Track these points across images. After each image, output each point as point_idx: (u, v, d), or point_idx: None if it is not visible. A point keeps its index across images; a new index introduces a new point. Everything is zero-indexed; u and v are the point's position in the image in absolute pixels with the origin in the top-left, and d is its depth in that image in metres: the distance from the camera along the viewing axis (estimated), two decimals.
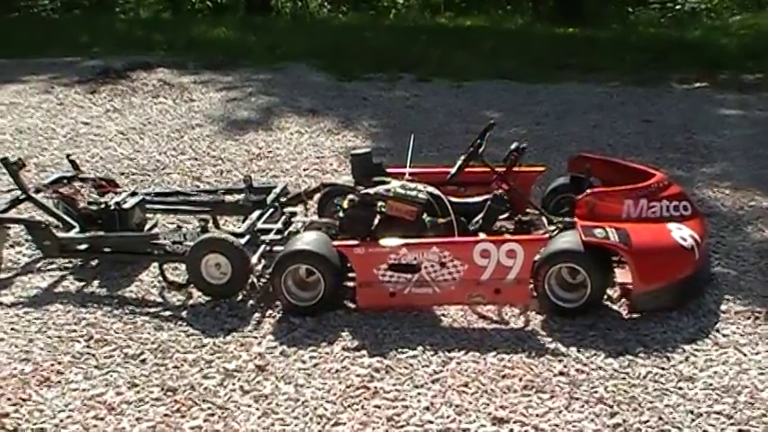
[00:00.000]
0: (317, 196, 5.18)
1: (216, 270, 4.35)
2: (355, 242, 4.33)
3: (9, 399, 3.56)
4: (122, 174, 6.17)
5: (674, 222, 4.45)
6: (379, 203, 4.42)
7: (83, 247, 4.68)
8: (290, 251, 4.32)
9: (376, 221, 4.41)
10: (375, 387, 3.67)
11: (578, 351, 3.96)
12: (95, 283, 4.63)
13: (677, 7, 15.35)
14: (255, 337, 4.08)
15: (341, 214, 4.51)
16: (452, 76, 9.51)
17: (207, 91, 8.72)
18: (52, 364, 3.83)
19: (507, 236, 4.38)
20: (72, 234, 4.69)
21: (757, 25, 13.06)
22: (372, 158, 4.99)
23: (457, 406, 3.54)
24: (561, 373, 3.79)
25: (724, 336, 4.11)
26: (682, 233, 4.33)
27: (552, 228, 4.58)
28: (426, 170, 5.04)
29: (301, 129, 7.49)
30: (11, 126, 7.39)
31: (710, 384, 3.70)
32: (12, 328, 4.15)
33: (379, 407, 3.53)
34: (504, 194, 4.67)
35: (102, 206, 4.79)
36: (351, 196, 4.53)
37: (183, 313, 4.31)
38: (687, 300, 4.37)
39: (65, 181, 5.08)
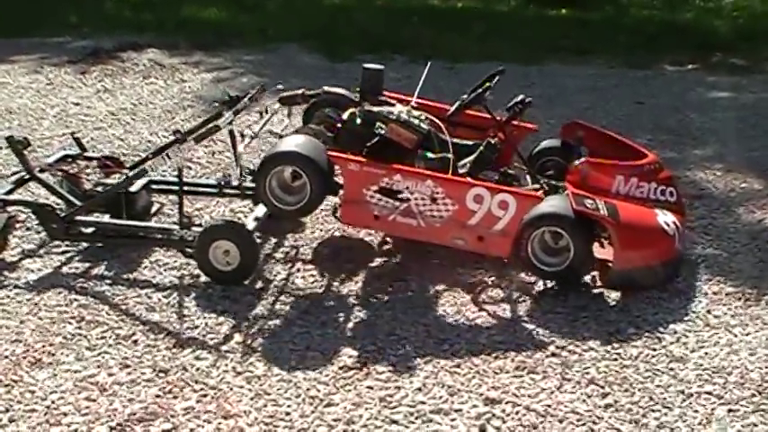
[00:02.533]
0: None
1: (224, 257, 4.30)
2: (352, 156, 4.27)
3: (0, 380, 3.55)
4: (113, 154, 6.13)
5: (659, 206, 4.46)
6: (378, 124, 4.35)
7: (89, 229, 4.64)
8: (277, 151, 4.25)
9: (374, 141, 4.32)
10: (367, 368, 3.68)
11: (570, 332, 3.98)
12: (87, 264, 4.60)
13: None
14: (248, 319, 4.07)
15: (339, 125, 4.44)
16: (444, 57, 9.45)
17: (198, 72, 8.64)
18: (44, 346, 3.82)
19: (504, 186, 4.34)
20: (79, 217, 4.61)
21: (750, 7, 13.03)
22: (383, 77, 4.86)
23: (449, 386, 3.55)
24: (553, 355, 3.81)
25: (715, 317, 4.13)
26: (666, 218, 4.34)
27: (536, 187, 4.56)
28: (429, 102, 4.96)
29: (293, 110, 7.43)
30: (0, 106, 7.33)
31: (701, 365, 3.73)
32: (3, 310, 4.13)
33: (371, 388, 3.54)
34: (497, 143, 4.64)
35: (109, 188, 4.74)
36: (353, 110, 4.46)
37: (176, 294, 4.30)
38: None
39: (69, 160, 5.01)
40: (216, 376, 3.61)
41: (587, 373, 3.67)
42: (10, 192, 4.74)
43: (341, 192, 4.42)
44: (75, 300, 4.23)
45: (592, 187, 4.36)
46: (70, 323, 4.02)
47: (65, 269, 4.56)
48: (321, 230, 5.00)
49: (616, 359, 3.77)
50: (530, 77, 8.73)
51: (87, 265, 4.59)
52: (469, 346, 3.87)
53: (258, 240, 4.56)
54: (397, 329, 4.00)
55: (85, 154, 5.12)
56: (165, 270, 4.54)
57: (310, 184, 4.20)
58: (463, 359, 3.76)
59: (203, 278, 4.40)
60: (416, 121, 4.41)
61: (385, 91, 4.93)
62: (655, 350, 3.84)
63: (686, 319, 4.11)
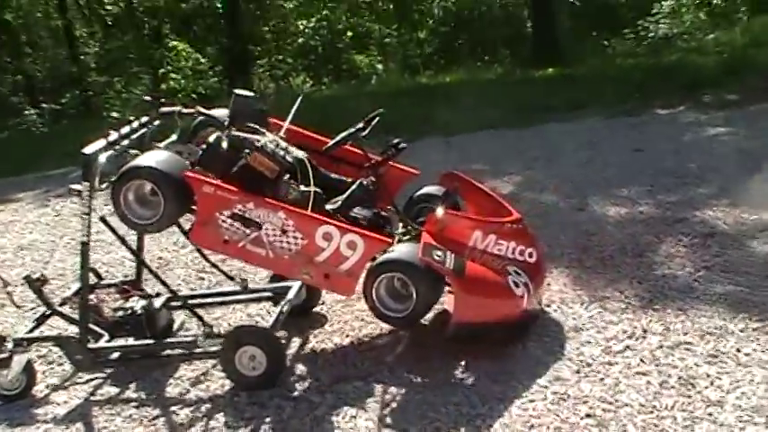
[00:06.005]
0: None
1: (250, 362, 4.29)
2: (207, 179, 4.26)
3: None
4: (126, 276, 6.17)
5: (516, 265, 4.42)
6: (246, 150, 4.34)
7: (115, 356, 4.65)
8: (134, 165, 4.25)
9: (236, 167, 4.31)
10: None
11: (601, 390, 3.93)
12: (112, 390, 4.60)
13: (650, 35, 15.56)
14: (277, 422, 4.04)
15: (203, 146, 4.44)
16: (439, 132, 9.59)
17: None
18: None
19: (355, 227, 4.33)
20: (102, 344, 4.64)
21: (732, 41, 13.21)
22: (255, 104, 4.79)
23: None
24: (588, 416, 3.75)
25: (746, 354, 4.08)
26: (518, 279, 4.33)
27: (402, 232, 4.58)
28: (306, 133, 5.01)
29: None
30: (11, 244, 7.42)
31: (740, 406, 3.66)
32: None
33: None
34: (370, 184, 4.66)
35: (129, 311, 4.77)
36: (218, 134, 4.47)
37: (202, 407, 4.27)
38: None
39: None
40: None
41: (625, 429, 3.61)
42: (32, 329, 4.77)
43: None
44: (105, 427, 4.21)
45: (449, 239, 4.34)
46: None
47: (91, 398, 4.55)
48: (339, 322, 4.99)
49: (652, 411, 3.71)
50: (525, 140, 8.83)
51: (113, 390, 4.58)
52: (503, 418, 3.82)
53: (283, 342, 4.55)
54: (428, 411, 3.95)
55: (102, 282, 5.17)
56: (189, 385, 4.53)
57: (164, 200, 4.21)
58: None
59: (228, 387, 4.39)
60: (282, 152, 4.42)
61: (270, 119, 4.90)
62: (690, 397, 3.78)
63: (716, 360, 4.05)
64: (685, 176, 6.86)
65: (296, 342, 4.84)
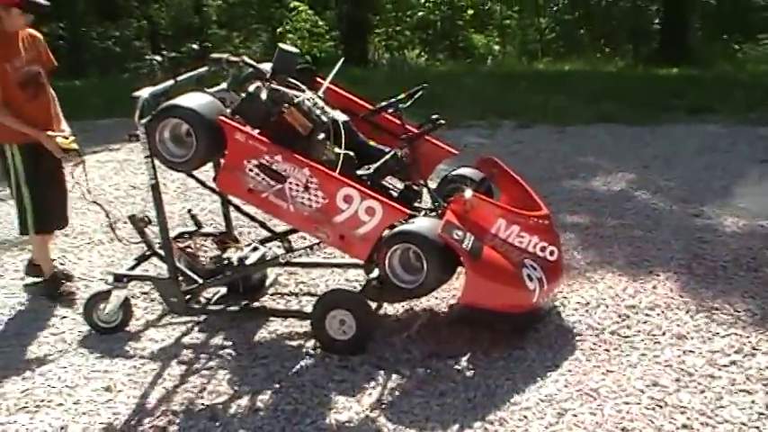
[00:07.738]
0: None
1: (340, 326, 4.33)
2: (240, 127, 4.28)
3: None
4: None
5: (534, 260, 4.35)
6: (285, 104, 4.36)
7: (209, 306, 4.76)
8: (172, 104, 4.30)
9: (272, 119, 4.34)
10: None
11: (701, 403, 3.78)
12: (206, 334, 4.69)
13: None
14: (366, 388, 4.04)
15: (243, 95, 4.47)
16: (554, 121, 9.40)
17: None
18: (168, 416, 3.88)
19: (376, 194, 4.27)
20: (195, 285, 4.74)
21: None
22: (297, 62, 4.81)
23: None
24: (684, 426, 3.61)
25: None
26: (532, 273, 4.26)
27: (430, 208, 4.53)
28: (350, 96, 5.03)
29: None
30: (124, 183, 7.65)
31: None
32: (130, 380, 4.24)
33: None
34: (404, 156, 4.60)
35: (225, 262, 4.86)
36: (259, 84, 4.49)
37: (294, 365, 4.31)
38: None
39: (186, 236, 5.16)
40: None
41: None
42: (133, 267, 4.91)
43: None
44: (196, 370, 4.30)
45: (472, 222, 4.26)
46: (192, 392, 4.08)
47: (186, 339, 4.65)
48: (436, 298, 4.95)
49: None
50: (643, 138, 8.57)
51: (207, 336, 4.68)
52: (594, 416, 3.72)
53: (374, 308, 4.55)
54: (517, 399, 3.89)
55: (201, 231, 5.27)
56: (282, 340, 4.58)
57: (196, 141, 4.23)
58: (589, 431, 3.61)
59: (320, 349, 4.42)
60: (318, 111, 4.43)
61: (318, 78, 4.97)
62: None
63: None
64: None
65: (390, 313, 4.83)
